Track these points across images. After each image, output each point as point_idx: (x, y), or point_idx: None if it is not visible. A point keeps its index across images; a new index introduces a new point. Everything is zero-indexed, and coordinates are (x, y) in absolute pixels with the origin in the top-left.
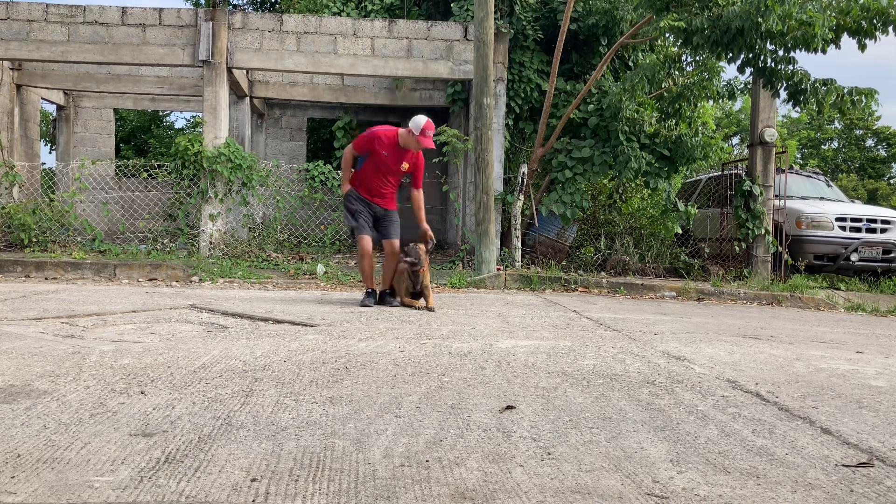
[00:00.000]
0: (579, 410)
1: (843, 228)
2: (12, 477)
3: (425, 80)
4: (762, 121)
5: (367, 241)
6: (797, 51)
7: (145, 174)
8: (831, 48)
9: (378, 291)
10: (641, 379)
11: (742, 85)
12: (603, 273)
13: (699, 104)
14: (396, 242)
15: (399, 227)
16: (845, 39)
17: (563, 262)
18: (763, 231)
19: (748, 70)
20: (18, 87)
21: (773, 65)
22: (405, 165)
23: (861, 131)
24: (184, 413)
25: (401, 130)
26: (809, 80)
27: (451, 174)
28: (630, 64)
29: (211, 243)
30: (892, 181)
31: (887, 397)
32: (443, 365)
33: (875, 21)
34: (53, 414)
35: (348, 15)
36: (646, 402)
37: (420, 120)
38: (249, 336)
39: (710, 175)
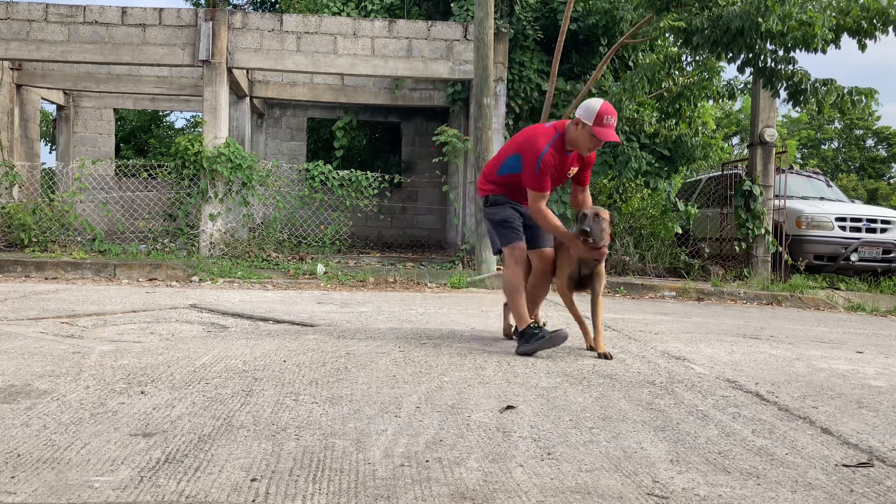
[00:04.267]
0: (579, 410)
1: (843, 228)
2: (12, 477)
3: (425, 80)
4: (762, 121)
5: (521, 247)
6: (797, 51)
7: (145, 174)
8: (831, 48)
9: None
10: (641, 379)
11: (742, 85)
12: None
13: (699, 104)
14: (551, 252)
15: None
16: (845, 39)
17: None
18: (763, 231)
19: (748, 70)
20: (18, 87)
21: (773, 65)
22: (573, 171)
23: (861, 131)
24: (184, 413)
25: (568, 127)
26: (809, 80)
27: (451, 174)
28: (630, 64)
29: (211, 243)
30: (892, 181)
31: (887, 397)
32: (443, 365)
33: (875, 21)
34: (53, 414)
35: (348, 15)
36: (646, 402)
37: (593, 105)
38: (249, 336)
39: (710, 175)
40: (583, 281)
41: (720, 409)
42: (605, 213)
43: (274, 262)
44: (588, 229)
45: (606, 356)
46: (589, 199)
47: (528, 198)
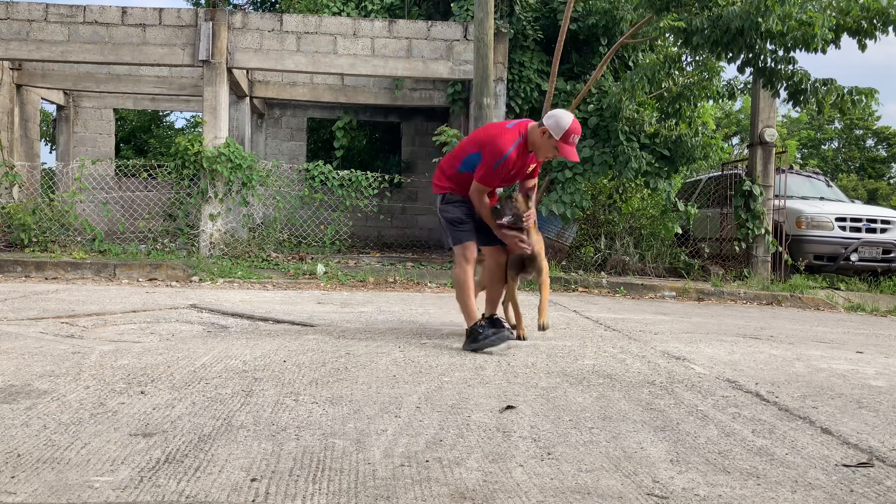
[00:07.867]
0: (579, 410)
1: (843, 228)
2: (12, 477)
3: (425, 80)
4: (762, 121)
5: (472, 247)
6: (797, 51)
7: (145, 174)
8: (831, 48)
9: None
10: (641, 379)
11: (742, 85)
12: (603, 273)
13: (699, 104)
14: (502, 250)
15: None
16: (845, 39)
17: (563, 262)
18: (763, 231)
19: (748, 70)
20: (18, 87)
21: (773, 65)
22: (531, 167)
23: (861, 131)
24: (184, 413)
25: (532, 131)
26: (809, 79)
27: None
28: (630, 64)
29: (211, 243)
30: (892, 181)
31: (887, 397)
32: (443, 365)
33: (875, 21)
34: (53, 414)
35: (348, 15)
36: (646, 402)
37: (564, 120)
38: (249, 336)
39: (710, 175)
40: (525, 265)
41: (720, 409)
42: (517, 195)
43: (274, 262)
44: (501, 211)
45: (543, 327)
46: (535, 188)
47: (471, 186)
